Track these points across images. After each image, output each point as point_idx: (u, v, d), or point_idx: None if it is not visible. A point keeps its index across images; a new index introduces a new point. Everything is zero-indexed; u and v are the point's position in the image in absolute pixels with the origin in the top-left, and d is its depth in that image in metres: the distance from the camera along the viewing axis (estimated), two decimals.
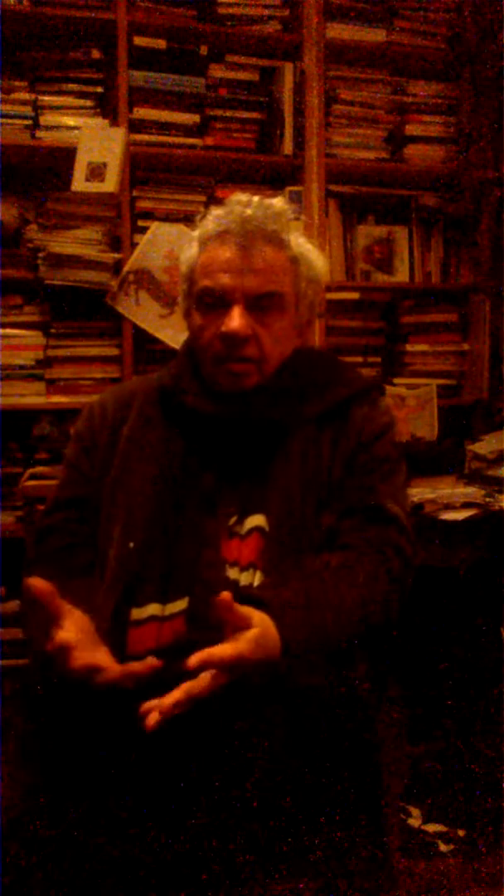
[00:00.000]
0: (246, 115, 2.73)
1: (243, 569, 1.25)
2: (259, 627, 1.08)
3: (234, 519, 1.29)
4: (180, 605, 1.24)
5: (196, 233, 1.39)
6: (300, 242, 1.38)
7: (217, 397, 1.35)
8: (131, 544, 1.29)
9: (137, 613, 1.25)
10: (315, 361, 1.45)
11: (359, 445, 1.34)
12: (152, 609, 1.24)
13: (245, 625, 1.07)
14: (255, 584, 1.24)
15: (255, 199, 1.35)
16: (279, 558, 1.25)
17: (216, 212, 1.37)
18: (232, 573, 1.25)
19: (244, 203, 1.35)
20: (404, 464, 1.40)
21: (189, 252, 1.40)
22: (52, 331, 2.60)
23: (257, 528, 1.28)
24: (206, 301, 1.34)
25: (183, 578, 1.25)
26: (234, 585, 1.24)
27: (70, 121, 2.57)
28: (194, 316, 1.37)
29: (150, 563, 1.27)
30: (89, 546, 1.34)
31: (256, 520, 1.28)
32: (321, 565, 1.23)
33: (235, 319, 1.31)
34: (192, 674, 1.15)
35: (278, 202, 1.37)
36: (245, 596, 1.14)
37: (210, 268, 1.33)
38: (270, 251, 1.33)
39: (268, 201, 1.36)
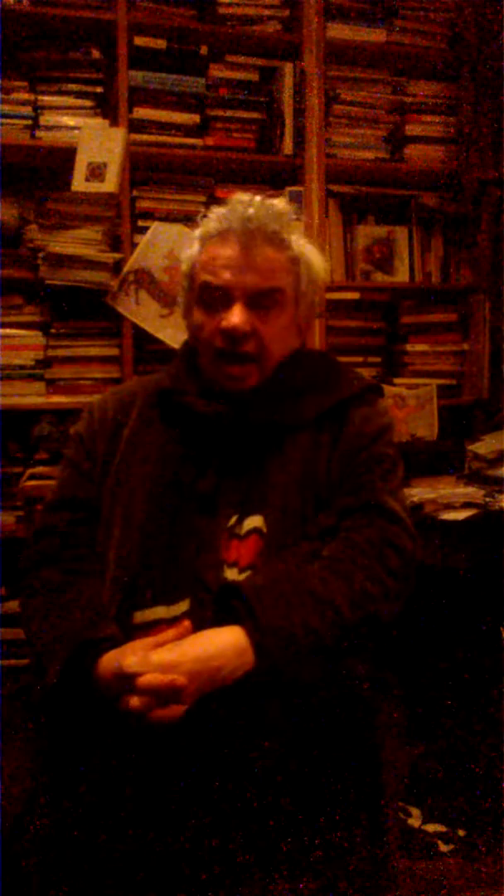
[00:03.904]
0: (246, 115, 2.73)
1: (242, 570, 1.25)
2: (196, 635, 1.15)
3: (233, 520, 1.28)
4: (182, 607, 1.23)
5: (197, 231, 1.40)
6: (301, 243, 1.39)
7: (216, 398, 1.35)
8: (129, 548, 1.29)
9: (141, 616, 1.24)
10: (314, 362, 1.45)
11: (357, 446, 1.34)
12: (159, 612, 1.23)
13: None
14: None
15: (257, 199, 1.36)
16: None
17: (218, 211, 1.38)
18: (231, 574, 1.25)
19: (246, 203, 1.35)
20: (402, 464, 1.40)
21: (190, 250, 1.40)
22: (52, 331, 2.60)
23: (256, 530, 1.28)
24: (207, 297, 1.35)
25: (183, 581, 1.24)
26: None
27: (70, 121, 2.57)
28: (195, 312, 1.38)
29: (149, 566, 1.26)
30: (89, 547, 1.34)
31: (255, 521, 1.28)
32: (309, 555, 1.24)
33: (236, 315, 1.31)
34: None
35: (280, 203, 1.38)
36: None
37: (211, 265, 1.34)
38: (271, 250, 1.34)
39: (269, 201, 1.37)
